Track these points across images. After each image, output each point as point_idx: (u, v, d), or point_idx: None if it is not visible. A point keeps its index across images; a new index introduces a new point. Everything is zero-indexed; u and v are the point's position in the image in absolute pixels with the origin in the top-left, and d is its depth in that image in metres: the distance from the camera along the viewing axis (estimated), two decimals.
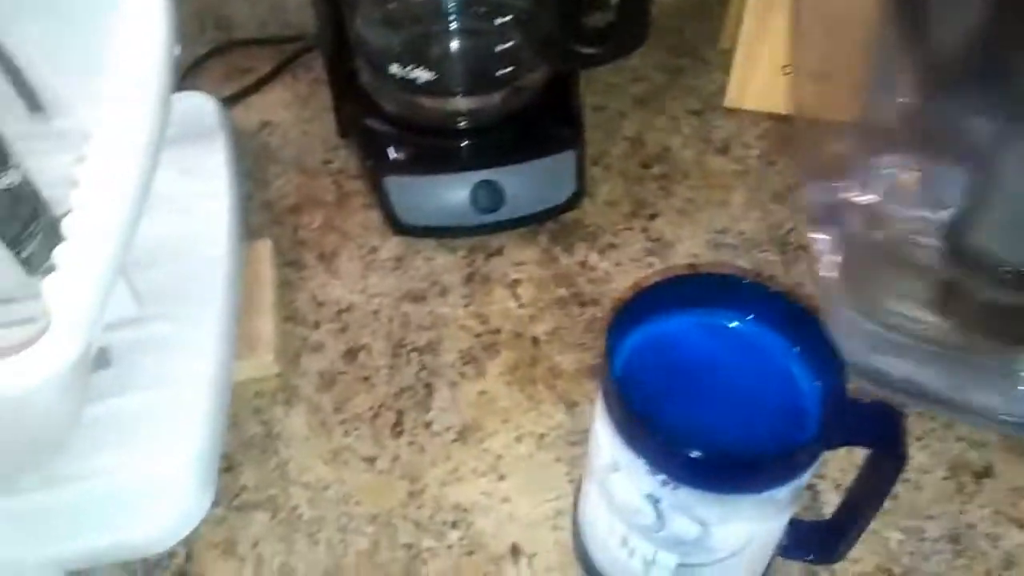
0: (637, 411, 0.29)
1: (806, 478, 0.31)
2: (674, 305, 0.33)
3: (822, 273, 0.41)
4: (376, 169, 0.54)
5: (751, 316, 0.33)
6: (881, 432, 0.30)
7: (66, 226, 0.35)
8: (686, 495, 0.30)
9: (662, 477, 0.30)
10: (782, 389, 0.32)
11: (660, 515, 0.31)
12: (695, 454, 0.28)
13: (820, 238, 0.46)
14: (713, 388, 0.33)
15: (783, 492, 0.30)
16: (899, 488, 0.43)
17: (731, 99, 0.63)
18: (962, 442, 0.45)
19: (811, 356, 0.32)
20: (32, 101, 0.54)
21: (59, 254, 0.33)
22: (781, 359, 0.33)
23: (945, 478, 0.43)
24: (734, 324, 0.34)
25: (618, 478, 0.32)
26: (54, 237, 0.35)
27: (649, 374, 0.33)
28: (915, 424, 0.45)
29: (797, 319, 0.32)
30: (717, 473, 0.29)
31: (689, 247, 0.55)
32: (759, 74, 0.61)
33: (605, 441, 0.32)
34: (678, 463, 0.29)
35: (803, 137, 0.50)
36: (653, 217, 0.57)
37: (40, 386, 0.29)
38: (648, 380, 0.32)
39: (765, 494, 0.29)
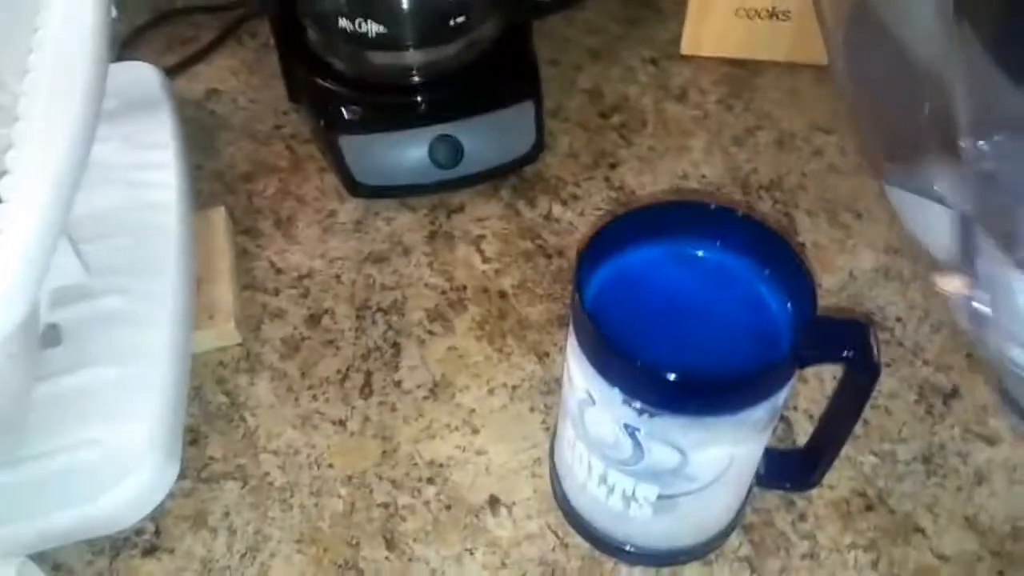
0: (608, 337, 0.29)
1: (782, 397, 0.30)
2: (641, 236, 0.33)
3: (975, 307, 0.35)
4: (330, 129, 0.52)
5: (718, 242, 0.33)
6: (853, 346, 0.30)
7: (3, 188, 0.33)
8: (663, 422, 0.29)
9: (638, 405, 0.29)
10: (754, 314, 0.32)
11: (638, 446, 0.31)
12: (671, 376, 0.27)
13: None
14: (685, 318, 0.32)
15: (759, 412, 0.30)
16: (869, 414, 0.43)
17: (687, 46, 0.63)
18: (929, 366, 0.45)
19: (781, 278, 0.32)
20: None
21: None
22: (751, 283, 0.32)
23: (915, 401, 0.44)
24: (702, 252, 0.33)
25: (593, 412, 0.32)
26: None
27: (619, 307, 0.32)
28: (883, 352, 0.45)
29: (765, 242, 0.32)
30: (693, 395, 0.28)
31: (652, 193, 0.55)
32: (714, 20, 0.61)
33: (578, 376, 0.32)
34: (653, 387, 0.28)
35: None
36: (614, 166, 0.56)
37: None
38: (618, 313, 0.32)
39: (742, 414, 0.29)
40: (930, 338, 0.46)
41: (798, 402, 0.44)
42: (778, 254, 0.31)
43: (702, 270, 0.33)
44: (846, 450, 0.41)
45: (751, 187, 0.55)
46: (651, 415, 0.29)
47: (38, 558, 0.37)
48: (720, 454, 0.31)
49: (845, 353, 0.30)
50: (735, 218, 0.32)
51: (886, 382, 0.44)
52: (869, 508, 0.40)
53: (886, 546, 0.38)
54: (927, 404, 0.43)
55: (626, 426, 0.30)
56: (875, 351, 0.30)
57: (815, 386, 0.44)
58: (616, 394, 0.30)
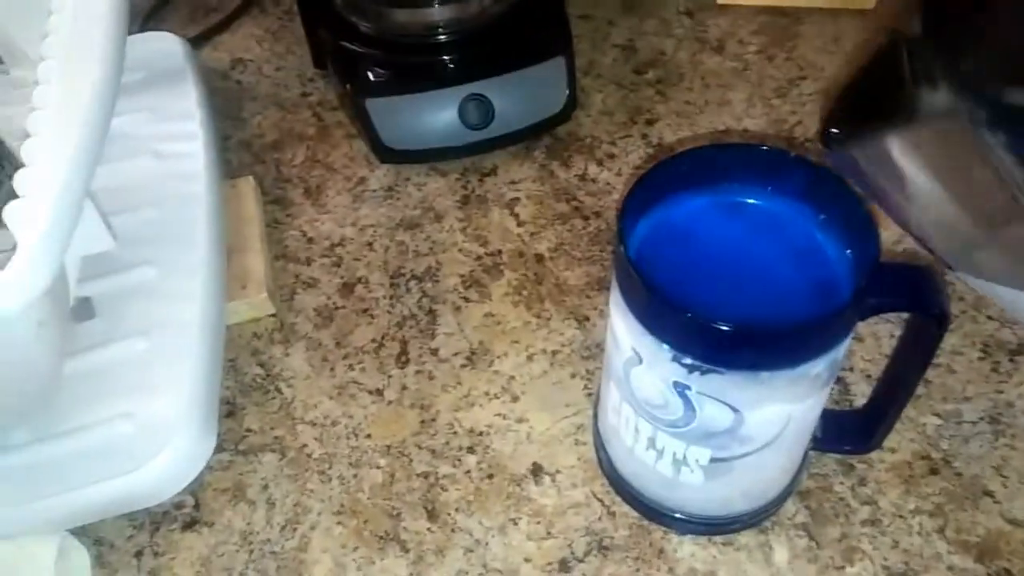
0: (656, 290, 0.27)
1: (843, 350, 0.28)
2: (687, 183, 0.31)
3: None
4: (356, 93, 0.51)
5: (769, 187, 0.31)
6: (919, 292, 0.27)
7: (25, 152, 0.32)
8: (715, 379, 0.28)
9: (688, 361, 0.27)
10: (809, 263, 0.30)
11: (689, 405, 0.29)
12: (724, 326, 0.25)
13: None
14: (735, 270, 0.30)
15: (819, 366, 0.28)
16: (931, 373, 0.41)
17: None
18: (994, 321, 0.42)
19: (839, 222, 0.29)
20: None
21: (19, 180, 0.31)
22: (806, 231, 0.30)
23: (980, 358, 0.41)
24: (752, 199, 0.31)
25: (640, 372, 0.30)
26: None
27: (665, 260, 0.30)
28: None
29: (821, 185, 0.30)
30: (748, 348, 0.26)
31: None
32: None
33: (623, 333, 0.30)
34: (705, 340, 0.27)
35: None
36: (651, 123, 0.54)
37: (10, 315, 0.27)
38: (664, 267, 0.30)
39: (800, 368, 0.27)
40: None
41: (854, 362, 0.41)
42: (836, 197, 0.29)
43: (752, 218, 0.31)
44: (906, 411, 0.39)
45: (796, 140, 0.52)
46: (702, 372, 0.28)
47: (79, 533, 0.37)
48: (777, 413, 0.29)
49: (913, 299, 0.27)
50: (788, 160, 0.30)
51: (948, 338, 0.42)
52: (934, 471, 0.38)
53: (953, 511, 0.36)
54: (992, 361, 0.41)
55: (676, 384, 0.29)
56: (943, 298, 0.27)
57: (871, 345, 0.42)
58: (664, 350, 0.28)
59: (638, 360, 0.30)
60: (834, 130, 0.35)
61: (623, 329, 0.30)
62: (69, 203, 0.30)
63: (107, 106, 0.35)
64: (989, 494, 0.37)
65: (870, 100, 0.34)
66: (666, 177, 0.30)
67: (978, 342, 0.42)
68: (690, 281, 0.29)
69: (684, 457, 0.32)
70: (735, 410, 0.28)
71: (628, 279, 0.28)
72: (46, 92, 0.34)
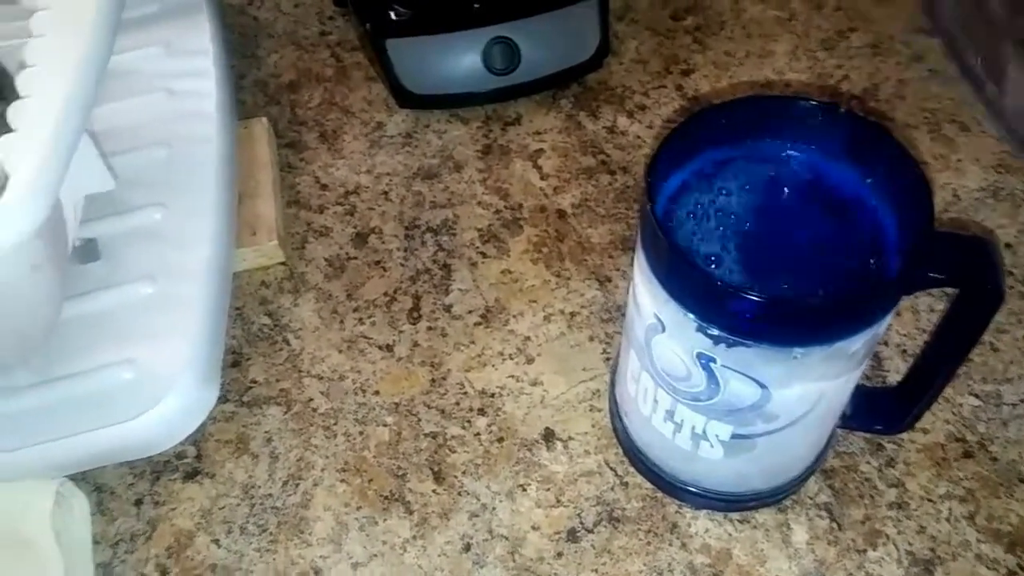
0: (681, 253, 0.25)
1: (884, 326, 0.26)
2: (723, 138, 0.28)
3: None
4: (376, 33, 0.48)
5: (814, 145, 0.28)
6: (972, 266, 0.25)
7: (21, 83, 0.30)
8: (743, 352, 0.26)
9: (714, 332, 0.25)
10: (855, 229, 0.28)
11: (713, 379, 0.27)
12: (755, 297, 0.23)
13: None
14: (773, 234, 0.28)
15: (858, 343, 0.25)
16: (974, 351, 0.38)
17: None
18: None
19: (888, 186, 0.27)
20: None
21: (13, 113, 0.29)
22: (852, 193, 0.28)
23: None
24: (794, 157, 0.29)
25: (663, 341, 0.28)
26: None
27: (696, 222, 0.28)
28: None
29: (869, 145, 0.27)
30: (782, 321, 0.24)
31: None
32: None
33: (646, 298, 0.28)
34: (733, 311, 0.25)
35: None
36: (687, 74, 0.51)
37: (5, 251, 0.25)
38: (695, 229, 0.28)
39: (836, 345, 0.25)
40: None
41: (890, 336, 0.39)
42: (886, 158, 0.27)
43: (795, 179, 0.29)
44: (944, 391, 0.37)
45: (842, 96, 0.49)
46: (729, 344, 0.26)
47: (79, 479, 0.36)
48: (808, 391, 0.27)
49: (966, 273, 0.25)
50: (835, 115, 0.28)
51: None
52: (968, 455, 0.35)
53: (985, 497, 0.34)
54: None
55: (700, 356, 0.27)
56: (1000, 273, 0.25)
57: (909, 319, 0.40)
58: (690, 320, 0.26)
59: (660, 328, 0.28)
60: None
61: (646, 294, 0.28)
62: (64, 140, 0.28)
63: (107, 39, 0.33)
64: None
65: None
66: (701, 131, 0.28)
67: None
68: (723, 245, 0.27)
69: (704, 432, 0.30)
70: (762, 386, 0.26)
71: (654, 240, 0.26)
72: (45, 18, 0.32)
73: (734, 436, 0.29)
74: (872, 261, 0.27)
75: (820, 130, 0.28)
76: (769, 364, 0.26)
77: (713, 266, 0.26)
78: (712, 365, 0.27)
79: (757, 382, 0.26)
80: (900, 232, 0.26)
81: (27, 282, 0.29)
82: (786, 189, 0.29)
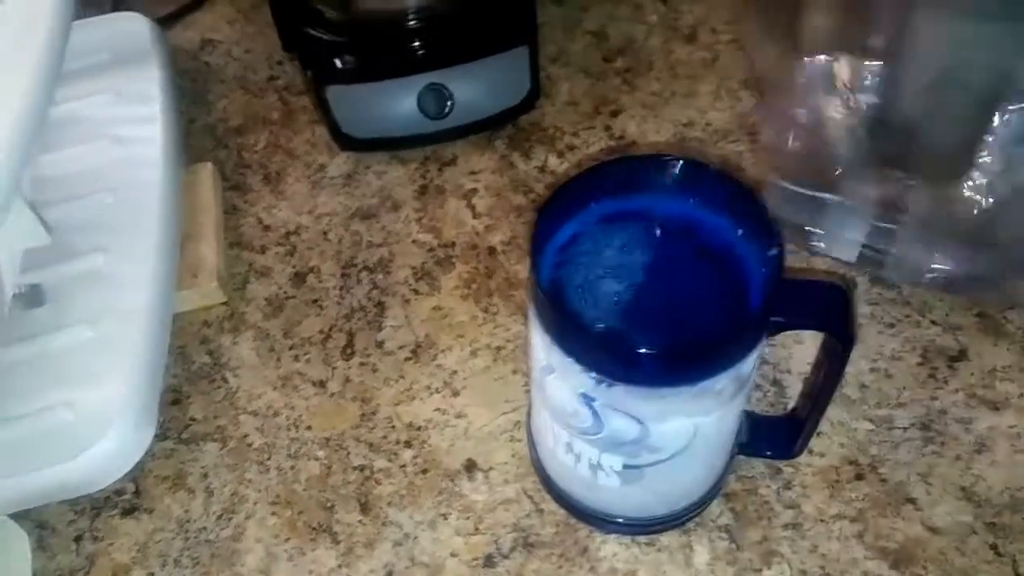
0: (560, 306, 0.27)
1: (748, 365, 0.29)
2: (607, 194, 0.31)
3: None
4: (317, 79, 0.51)
5: (691, 200, 0.31)
6: (825, 312, 0.27)
7: None
8: (619, 392, 0.28)
9: (594, 375, 0.28)
10: (727, 276, 0.30)
11: (596, 416, 0.29)
12: (620, 347, 0.26)
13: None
14: (654, 282, 0.30)
15: (721, 383, 0.28)
16: (868, 377, 0.41)
17: None
18: (937, 327, 0.42)
19: (754, 238, 0.29)
20: None
21: None
22: (725, 243, 0.30)
23: (918, 364, 0.41)
24: (675, 210, 0.31)
25: (553, 381, 0.30)
26: None
27: (583, 271, 0.30)
28: (888, 310, 0.43)
29: (737, 199, 0.30)
30: (645, 365, 0.27)
31: (654, 142, 0.52)
32: None
33: (538, 343, 0.30)
34: (606, 358, 0.27)
35: None
36: (616, 114, 0.54)
37: None
38: (582, 277, 0.30)
39: (699, 385, 0.27)
40: (940, 296, 0.43)
41: (792, 364, 0.41)
42: (751, 212, 0.29)
43: (674, 230, 0.31)
44: (839, 415, 0.40)
45: (759, 135, 0.52)
46: (608, 384, 0.28)
47: (21, 517, 0.38)
48: (682, 425, 0.29)
49: (818, 319, 0.28)
50: (708, 173, 0.30)
51: (889, 343, 0.42)
52: (859, 477, 0.38)
53: (874, 517, 0.37)
54: (931, 367, 0.41)
55: (584, 395, 0.29)
56: (850, 318, 0.28)
57: (811, 347, 0.42)
58: (572, 363, 0.28)
59: (550, 370, 0.30)
60: None
61: (537, 339, 0.30)
62: None
63: (42, 108, 0.35)
64: (912, 501, 0.37)
65: None
66: (587, 187, 0.31)
67: (919, 347, 0.42)
68: (608, 289, 0.30)
69: (599, 463, 0.32)
70: (640, 422, 0.29)
71: (536, 295, 0.28)
72: None
73: (625, 466, 0.32)
74: (745, 305, 0.29)
75: (696, 185, 0.30)
76: (643, 402, 0.28)
77: (597, 312, 0.29)
78: (594, 403, 0.29)
79: (635, 418, 0.29)
80: (762, 280, 0.29)
81: None
82: (671, 239, 0.31)
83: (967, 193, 0.38)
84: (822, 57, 0.41)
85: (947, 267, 0.39)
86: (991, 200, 0.38)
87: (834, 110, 0.41)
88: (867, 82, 0.40)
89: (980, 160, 0.38)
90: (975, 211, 0.38)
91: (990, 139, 0.37)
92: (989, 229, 0.38)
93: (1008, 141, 0.37)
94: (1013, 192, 0.38)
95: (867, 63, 0.40)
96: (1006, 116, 0.36)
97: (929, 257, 0.39)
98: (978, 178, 0.38)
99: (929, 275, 0.40)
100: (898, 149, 0.39)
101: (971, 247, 0.39)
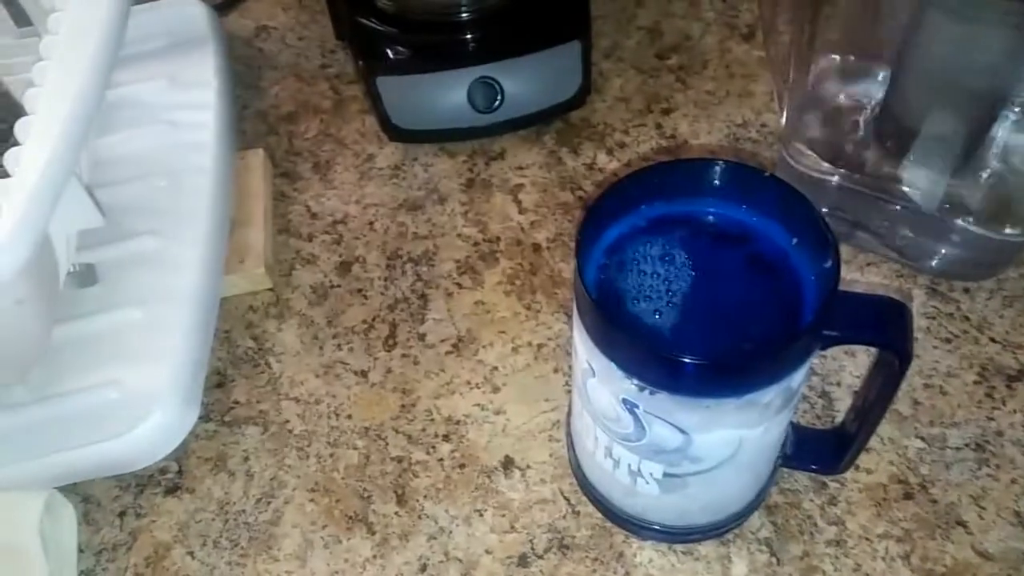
0: (604, 310, 0.27)
1: (798, 379, 0.28)
2: (657, 196, 0.30)
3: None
4: (368, 69, 0.51)
5: (744, 206, 0.30)
6: (882, 327, 0.26)
7: (18, 131, 0.33)
8: (663, 400, 0.27)
9: (637, 382, 0.27)
10: (780, 286, 0.29)
11: (639, 422, 0.29)
12: (664, 355, 0.25)
13: None
14: (703, 288, 0.30)
15: (768, 395, 0.27)
16: (922, 393, 0.40)
17: None
18: (996, 344, 0.41)
19: (808, 247, 0.29)
20: (19, 15, 0.52)
21: (10, 159, 0.32)
22: (779, 252, 0.29)
23: (975, 382, 0.40)
24: (726, 216, 0.30)
25: (595, 384, 0.30)
26: None
27: (630, 276, 0.30)
28: (945, 325, 0.41)
29: (791, 208, 0.29)
30: (692, 375, 0.26)
31: (706, 143, 0.51)
32: None
33: (580, 344, 0.30)
34: (649, 365, 0.26)
35: None
36: (668, 112, 0.53)
37: None
38: (629, 282, 0.30)
39: (746, 397, 0.27)
40: (1000, 312, 0.42)
41: (842, 376, 0.40)
42: (806, 221, 0.28)
43: (725, 236, 0.31)
44: (890, 432, 0.39)
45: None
46: (651, 392, 0.27)
47: (69, 490, 0.39)
48: (727, 436, 0.29)
49: (873, 334, 0.27)
50: (762, 179, 0.29)
51: (945, 359, 0.40)
52: (908, 496, 0.37)
53: (922, 539, 0.36)
54: (988, 386, 0.39)
55: (625, 401, 0.28)
56: (907, 334, 0.27)
57: (863, 360, 0.41)
58: (614, 368, 0.28)
59: (592, 373, 0.29)
60: None
61: (579, 341, 0.30)
62: (49, 187, 0.31)
63: (100, 87, 0.36)
64: (963, 524, 0.36)
65: None
66: (636, 189, 0.30)
67: (976, 364, 0.40)
68: (655, 295, 0.29)
69: (639, 469, 0.32)
70: (683, 432, 0.28)
71: (581, 296, 0.28)
72: (43, 67, 0.35)
73: (666, 475, 0.31)
74: (797, 317, 0.28)
75: (749, 191, 0.29)
76: (687, 412, 0.27)
77: (643, 318, 0.28)
78: (636, 410, 0.28)
79: (678, 428, 0.28)
80: (816, 292, 0.28)
81: (12, 315, 0.32)
82: (721, 244, 0.30)
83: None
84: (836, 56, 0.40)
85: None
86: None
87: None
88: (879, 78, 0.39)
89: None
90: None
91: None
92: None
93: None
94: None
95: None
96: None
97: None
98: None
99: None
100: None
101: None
